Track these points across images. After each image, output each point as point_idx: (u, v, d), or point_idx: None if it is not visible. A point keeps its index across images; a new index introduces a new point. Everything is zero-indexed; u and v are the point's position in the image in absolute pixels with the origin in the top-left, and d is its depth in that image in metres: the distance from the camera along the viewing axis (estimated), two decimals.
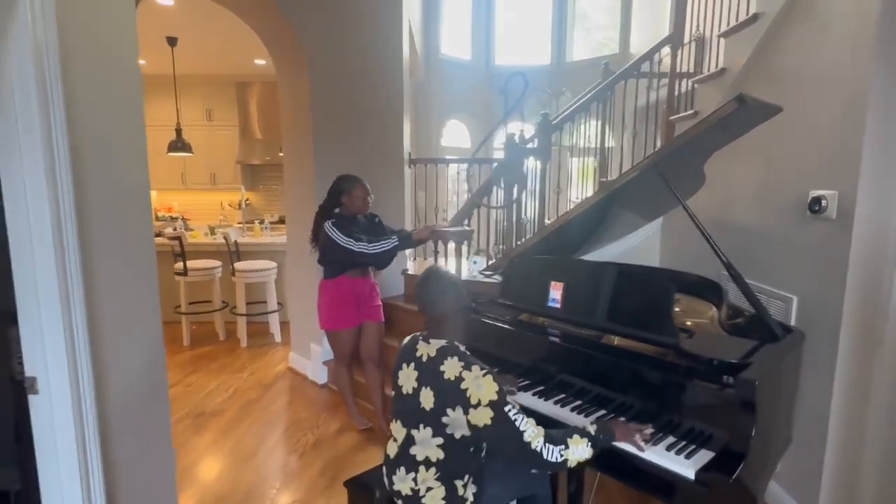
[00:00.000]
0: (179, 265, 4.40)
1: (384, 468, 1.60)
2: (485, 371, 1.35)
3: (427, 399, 1.41)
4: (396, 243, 2.64)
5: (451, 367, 1.38)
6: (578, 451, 1.34)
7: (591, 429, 1.39)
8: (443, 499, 1.42)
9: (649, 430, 1.43)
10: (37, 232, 1.37)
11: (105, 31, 1.63)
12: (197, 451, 2.78)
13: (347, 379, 3.01)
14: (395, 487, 1.50)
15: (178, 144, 5.15)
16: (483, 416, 1.31)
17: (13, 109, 1.33)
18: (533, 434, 1.31)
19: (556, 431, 1.37)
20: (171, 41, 5.03)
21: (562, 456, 1.32)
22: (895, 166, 1.74)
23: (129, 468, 1.74)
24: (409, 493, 1.46)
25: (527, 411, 1.64)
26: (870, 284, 1.83)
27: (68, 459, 1.49)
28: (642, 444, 1.39)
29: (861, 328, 1.86)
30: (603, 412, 1.63)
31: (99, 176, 1.60)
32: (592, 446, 1.36)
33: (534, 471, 1.44)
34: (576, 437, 1.36)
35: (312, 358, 3.78)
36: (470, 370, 1.35)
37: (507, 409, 1.32)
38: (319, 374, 3.71)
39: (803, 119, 2.04)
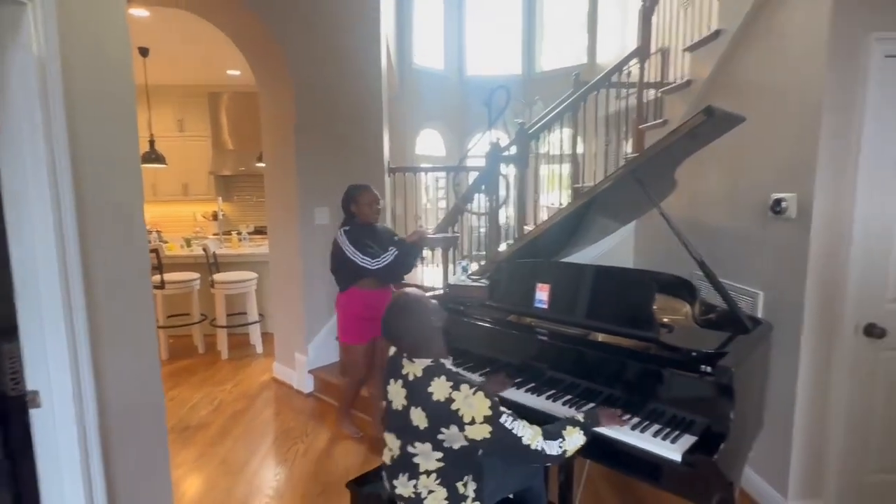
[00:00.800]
0: (156, 278, 4.33)
1: (384, 473, 1.65)
2: (474, 389, 1.37)
3: (419, 419, 1.42)
4: (396, 253, 2.65)
5: (439, 389, 1.39)
6: (573, 439, 1.44)
7: (580, 417, 1.51)
8: (445, 499, 1.47)
9: (623, 414, 1.58)
10: (41, 247, 1.38)
11: (101, 43, 1.65)
12: (186, 464, 2.76)
13: (353, 391, 3.00)
14: (397, 491, 1.55)
15: (152, 156, 5.07)
16: (481, 432, 1.34)
17: (17, 121, 1.34)
18: (531, 436, 1.38)
19: (551, 427, 1.45)
20: (143, 51, 4.97)
21: (561, 448, 1.41)
22: (846, 170, 1.92)
23: (128, 478, 1.74)
24: (412, 495, 1.50)
25: (520, 407, 1.74)
26: (827, 278, 2.00)
27: (72, 471, 1.49)
28: (623, 423, 1.54)
29: (821, 318, 2.03)
30: (591, 405, 1.73)
31: (97, 189, 1.61)
32: (584, 433, 1.47)
33: (535, 465, 1.50)
34: (569, 427, 1.46)
35: (297, 368, 3.78)
36: (459, 390, 1.37)
37: (502, 420, 1.36)
38: (305, 384, 3.71)
39: (764, 128, 2.21)
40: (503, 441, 1.36)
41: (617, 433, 1.53)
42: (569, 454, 1.43)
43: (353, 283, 2.73)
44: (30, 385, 1.44)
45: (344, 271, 2.72)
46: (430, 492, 1.48)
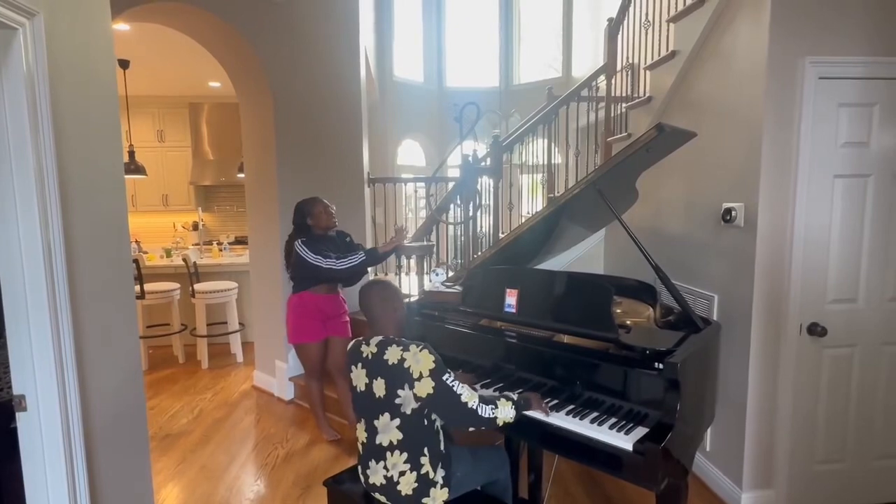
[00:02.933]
0: (136, 288, 4.34)
1: (359, 467, 1.75)
2: (421, 346, 1.55)
3: (379, 388, 1.59)
4: (364, 258, 2.76)
5: (392, 354, 1.58)
6: (505, 411, 1.60)
7: (514, 396, 1.68)
8: (415, 482, 1.59)
9: (548, 402, 1.75)
10: (28, 254, 1.45)
11: (88, 60, 1.72)
12: (166, 470, 2.79)
13: (317, 392, 3.11)
14: (371, 481, 1.66)
15: (132, 167, 5.08)
16: (426, 387, 1.52)
17: (7, 136, 1.42)
18: (469, 396, 1.56)
19: (488, 395, 1.62)
20: (123, 64, 5.00)
21: (493, 413, 1.58)
22: (787, 182, 2.09)
23: (111, 482, 1.80)
24: (384, 481, 1.62)
25: None
26: (773, 281, 2.16)
27: (56, 475, 1.54)
28: (547, 410, 1.69)
29: (768, 319, 2.18)
30: (556, 402, 1.84)
31: (83, 200, 1.68)
32: (515, 409, 1.62)
33: (471, 428, 1.65)
34: (503, 400, 1.62)
35: (278, 375, 3.83)
36: (408, 350, 1.56)
37: (445, 377, 1.54)
38: (286, 391, 3.76)
39: (716, 142, 2.37)
40: (444, 396, 1.53)
41: (577, 426, 1.64)
42: (499, 423, 1.59)
43: (308, 286, 2.87)
44: (16, 389, 1.50)
45: (303, 276, 2.84)
46: (401, 473, 1.59)
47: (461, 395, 1.54)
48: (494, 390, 1.95)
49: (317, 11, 3.80)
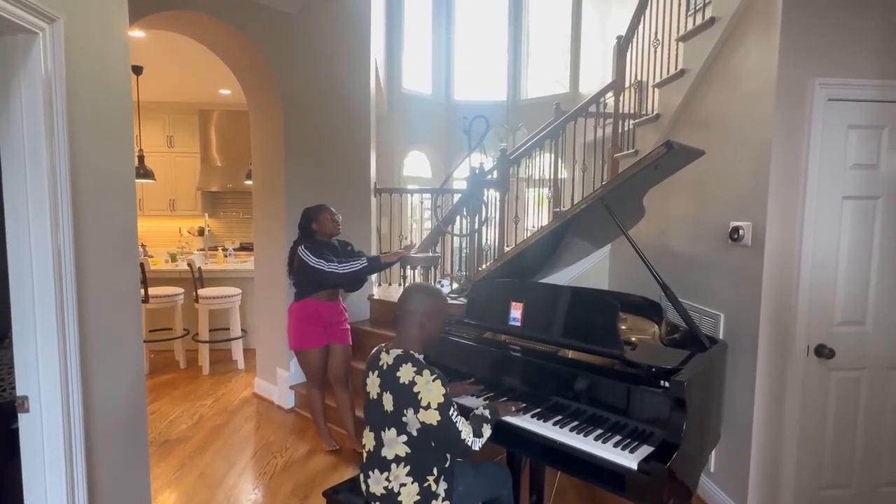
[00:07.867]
0: (140, 292, 4.34)
1: (360, 475, 1.73)
2: (434, 376, 1.54)
3: (388, 402, 1.58)
4: (365, 264, 2.79)
5: (405, 373, 1.56)
6: (486, 435, 1.65)
7: (488, 414, 1.70)
8: (417, 494, 1.57)
9: (518, 407, 1.83)
10: (38, 255, 1.46)
11: (103, 66, 1.74)
12: (164, 476, 2.77)
13: (318, 400, 3.10)
14: (371, 490, 1.64)
15: (141, 172, 5.11)
16: (432, 417, 1.51)
17: (23, 140, 1.43)
18: (467, 432, 1.57)
19: (474, 426, 1.63)
20: (137, 70, 5.07)
21: (481, 443, 1.62)
22: (795, 202, 2.09)
23: (109, 486, 1.78)
24: (384, 492, 1.60)
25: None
26: (780, 302, 2.14)
27: (56, 476, 1.53)
28: (513, 413, 1.78)
29: (775, 339, 2.16)
30: (559, 417, 1.83)
31: (93, 205, 1.69)
32: (492, 427, 1.68)
33: (459, 459, 1.69)
34: (485, 425, 1.66)
35: (279, 383, 3.81)
36: (421, 375, 1.54)
37: (450, 412, 1.53)
38: (286, 399, 3.74)
39: (724, 161, 2.37)
40: (446, 430, 1.53)
41: (581, 443, 1.63)
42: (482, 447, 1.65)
43: (310, 293, 2.89)
44: (19, 390, 1.50)
45: (305, 282, 2.86)
46: (402, 485, 1.57)
47: (461, 431, 1.55)
48: (486, 399, 1.94)
49: (329, 23, 3.85)
